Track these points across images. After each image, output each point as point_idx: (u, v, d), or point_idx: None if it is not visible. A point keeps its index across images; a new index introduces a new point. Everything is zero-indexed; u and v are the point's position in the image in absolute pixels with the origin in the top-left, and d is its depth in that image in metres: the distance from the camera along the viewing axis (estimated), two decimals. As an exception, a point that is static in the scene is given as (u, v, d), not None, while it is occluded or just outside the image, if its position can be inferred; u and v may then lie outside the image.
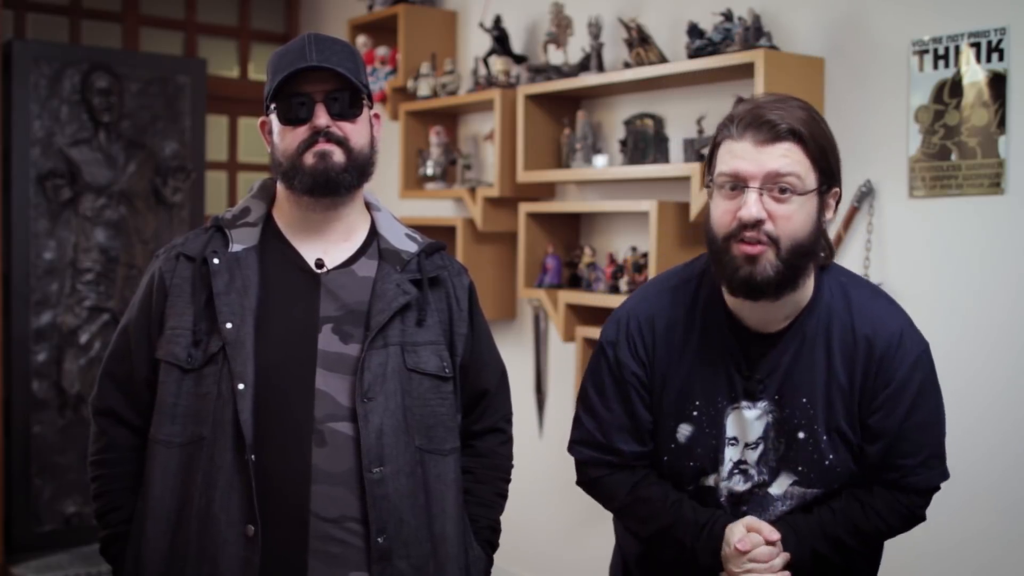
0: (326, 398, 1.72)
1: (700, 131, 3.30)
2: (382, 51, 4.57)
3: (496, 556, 1.95)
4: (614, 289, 3.58)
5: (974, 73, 2.76)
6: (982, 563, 2.77)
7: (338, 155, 1.74)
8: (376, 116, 1.84)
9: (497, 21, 4.03)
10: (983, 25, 2.74)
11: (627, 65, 3.48)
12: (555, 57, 3.89)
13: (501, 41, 4.04)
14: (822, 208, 1.72)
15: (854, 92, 3.02)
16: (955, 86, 2.80)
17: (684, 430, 1.81)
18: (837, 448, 1.76)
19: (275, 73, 1.76)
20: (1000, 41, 2.70)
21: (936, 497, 1.87)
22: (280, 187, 1.83)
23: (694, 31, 3.26)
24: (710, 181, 1.74)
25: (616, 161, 3.71)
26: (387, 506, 1.71)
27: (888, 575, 2.09)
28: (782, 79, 2.95)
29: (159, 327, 1.78)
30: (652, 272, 3.31)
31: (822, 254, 1.78)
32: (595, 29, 3.62)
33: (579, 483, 1.96)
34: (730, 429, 1.79)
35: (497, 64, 3.99)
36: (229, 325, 1.72)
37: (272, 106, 1.78)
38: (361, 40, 4.62)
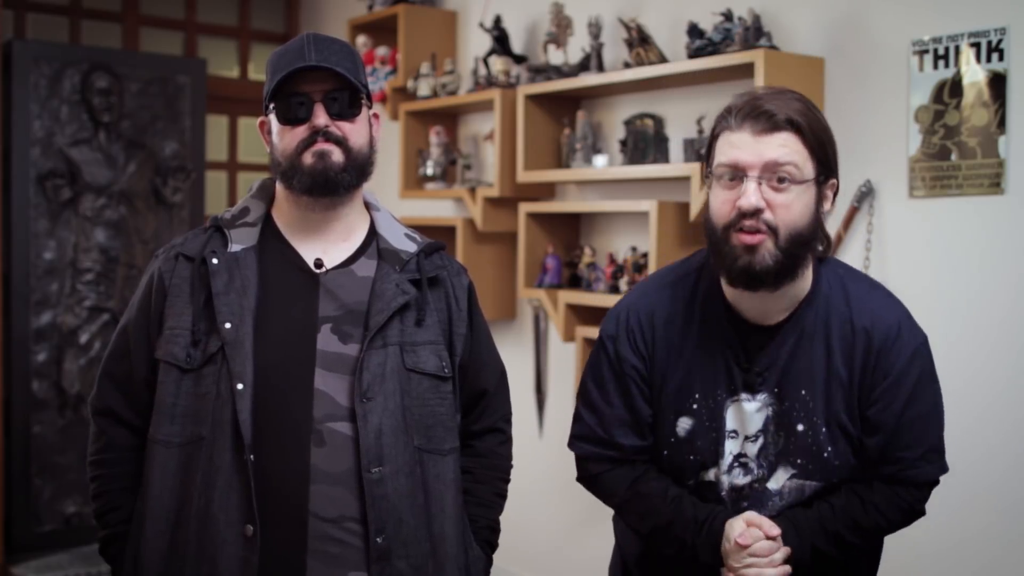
0: (325, 398, 1.72)
1: (700, 131, 3.30)
2: (382, 51, 4.57)
3: (496, 556, 1.95)
4: (614, 289, 3.57)
5: (974, 73, 2.76)
6: (982, 563, 2.77)
7: (337, 155, 1.74)
8: (375, 116, 1.84)
9: (497, 21, 4.03)
10: (983, 25, 2.74)
11: (627, 65, 3.48)
12: (555, 57, 3.89)
13: (501, 41, 4.04)
14: (820, 199, 1.74)
15: (854, 92, 3.02)
16: (955, 86, 2.80)
17: (684, 423, 1.82)
18: (836, 440, 1.77)
19: (274, 73, 1.76)
20: (1000, 41, 2.70)
21: (936, 496, 1.87)
22: (279, 187, 1.83)
23: (694, 31, 3.25)
24: (709, 172, 1.76)
25: (616, 161, 3.71)
26: (386, 506, 1.71)
27: (888, 574, 2.10)
28: (782, 79, 2.95)
29: (158, 327, 1.78)
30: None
31: (820, 246, 1.79)
32: (595, 29, 3.62)
33: (579, 479, 1.96)
34: (730, 422, 1.80)
35: (497, 64, 3.99)
36: (228, 325, 1.72)
37: (271, 106, 1.78)
38: (361, 40, 4.62)
